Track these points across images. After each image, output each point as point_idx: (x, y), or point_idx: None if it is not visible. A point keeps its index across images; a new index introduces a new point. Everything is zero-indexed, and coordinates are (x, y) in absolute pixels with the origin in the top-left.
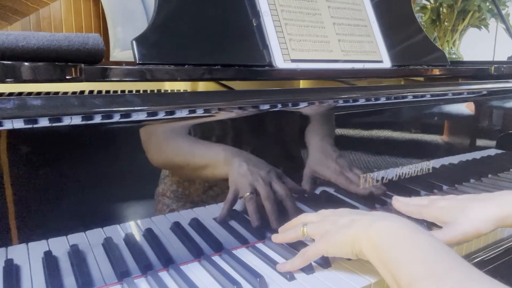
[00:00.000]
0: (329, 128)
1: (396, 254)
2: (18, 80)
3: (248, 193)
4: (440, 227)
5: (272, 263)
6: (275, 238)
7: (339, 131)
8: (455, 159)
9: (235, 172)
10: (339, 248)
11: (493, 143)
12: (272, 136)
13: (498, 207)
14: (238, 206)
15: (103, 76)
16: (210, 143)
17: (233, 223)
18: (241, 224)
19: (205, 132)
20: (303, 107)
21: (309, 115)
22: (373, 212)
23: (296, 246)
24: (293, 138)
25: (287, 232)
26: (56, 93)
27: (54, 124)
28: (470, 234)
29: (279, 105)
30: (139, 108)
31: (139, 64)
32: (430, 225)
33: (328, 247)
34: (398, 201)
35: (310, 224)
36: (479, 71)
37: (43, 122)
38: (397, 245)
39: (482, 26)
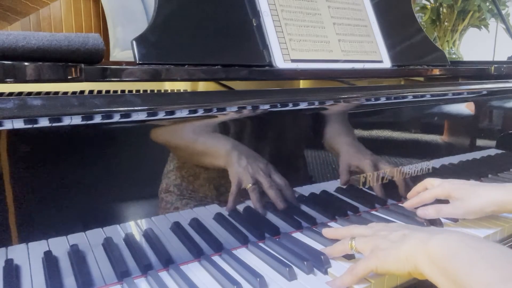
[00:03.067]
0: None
1: (463, 264)
2: (18, 80)
3: (250, 184)
4: None
5: (272, 262)
6: (325, 251)
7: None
8: (455, 159)
9: (236, 164)
10: (391, 265)
11: (493, 143)
12: (275, 134)
13: (505, 192)
14: (239, 207)
15: (103, 76)
16: (217, 137)
17: (234, 223)
18: (242, 224)
19: (213, 128)
20: (304, 107)
21: (315, 115)
22: (424, 228)
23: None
24: (293, 136)
25: (335, 246)
26: (56, 93)
27: (54, 124)
28: (474, 210)
29: (279, 105)
30: (139, 108)
31: (139, 64)
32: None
33: (379, 263)
34: (410, 201)
35: (359, 237)
36: (479, 71)
37: (43, 122)
38: (462, 255)
39: (482, 26)
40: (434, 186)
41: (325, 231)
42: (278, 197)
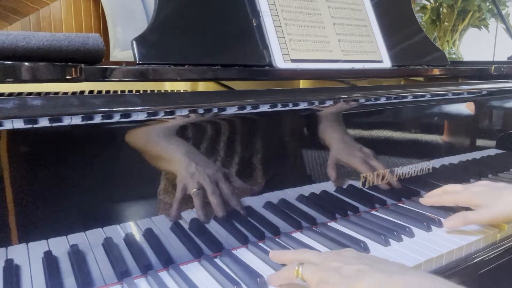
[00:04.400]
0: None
1: None
2: (18, 80)
3: (195, 189)
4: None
5: (273, 262)
6: (270, 278)
7: (340, 131)
8: (455, 159)
9: (184, 170)
10: None
11: (493, 143)
12: (276, 134)
13: None
14: (239, 207)
15: (103, 76)
16: (171, 140)
17: (234, 223)
18: (242, 224)
19: (211, 129)
20: (304, 108)
21: (315, 115)
22: (384, 264)
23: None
24: (293, 136)
25: (280, 272)
26: (56, 93)
27: (54, 124)
28: (501, 216)
29: (279, 105)
30: (139, 108)
31: (139, 64)
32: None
33: None
34: (429, 197)
35: (307, 264)
36: (479, 71)
37: (43, 122)
38: None
39: (482, 26)
40: (456, 191)
41: (272, 254)
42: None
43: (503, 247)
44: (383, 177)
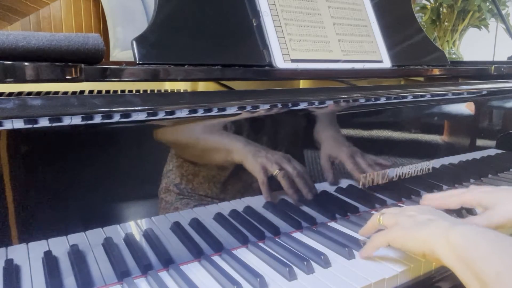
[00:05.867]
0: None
1: (481, 253)
2: (18, 80)
3: (277, 170)
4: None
5: (272, 262)
6: (361, 232)
7: (339, 131)
8: (455, 159)
9: (253, 158)
10: (408, 242)
11: (493, 143)
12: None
13: None
14: (239, 207)
15: (103, 76)
16: (219, 136)
17: (234, 223)
18: (242, 224)
19: (213, 128)
20: (305, 107)
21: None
22: (449, 217)
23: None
24: (293, 136)
25: (369, 222)
26: (56, 93)
27: (54, 124)
28: (509, 218)
29: (279, 105)
30: (139, 108)
31: (139, 64)
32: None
33: (397, 237)
34: (430, 199)
35: (387, 214)
36: (479, 71)
37: (43, 122)
38: (483, 245)
39: (482, 26)
40: (462, 192)
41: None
42: (304, 184)
43: None
44: (383, 177)
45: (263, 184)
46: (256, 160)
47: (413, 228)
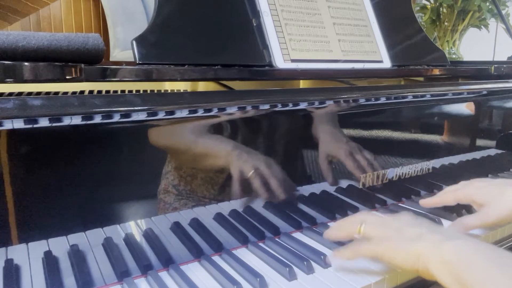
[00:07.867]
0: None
1: (477, 272)
2: (18, 80)
3: (252, 172)
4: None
5: (272, 262)
6: (327, 233)
7: (340, 131)
8: (455, 159)
9: (237, 160)
10: (399, 258)
11: (493, 143)
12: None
13: None
14: (239, 206)
15: (103, 76)
16: (218, 137)
17: (234, 223)
18: (242, 224)
19: (213, 129)
20: (305, 107)
21: (314, 115)
22: (441, 229)
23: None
24: (293, 136)
25: (342, 227)
26: (56, 93)
27: (54, 124)
28: (506, 216)
29: (279, 105)
30: (139, 108)
31: (139, 64)
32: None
33: (386, 253)
34: (430, 200)
35: (369, 223)
36: (479, 71)
37: (43, 122)
38: (477, 264)
39: (482, 26)
40: (456, 189)
41: (327, 234)
42: (280, 188)
43: (503, 247)
44: (383, 177)
45: (259, 187)
46: (248, 164)
47: (404, 242)
